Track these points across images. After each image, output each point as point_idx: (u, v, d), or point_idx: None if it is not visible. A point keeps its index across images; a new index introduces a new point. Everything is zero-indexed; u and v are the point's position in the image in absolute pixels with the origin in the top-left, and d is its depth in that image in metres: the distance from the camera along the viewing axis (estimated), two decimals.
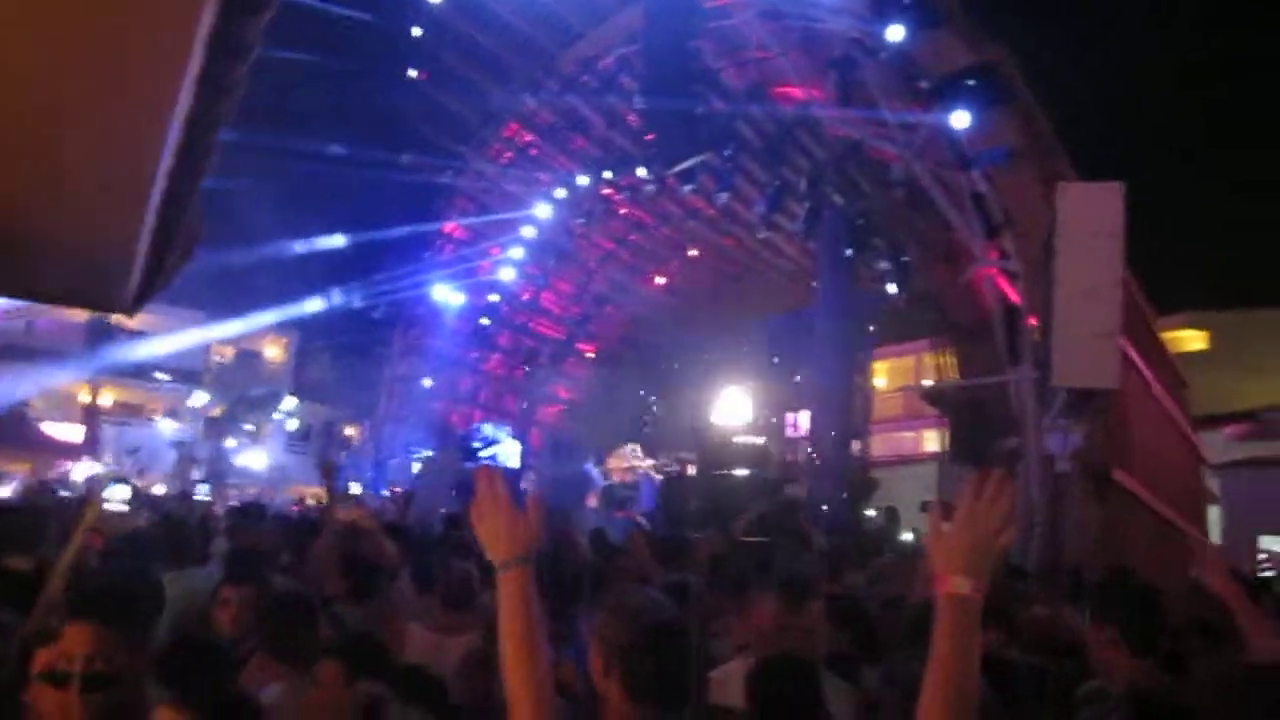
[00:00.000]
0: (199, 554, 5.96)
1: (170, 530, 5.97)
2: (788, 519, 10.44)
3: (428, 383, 26.10)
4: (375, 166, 21.67)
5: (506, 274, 24.49)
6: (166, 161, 3.25)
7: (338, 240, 22.58)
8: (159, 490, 14.06)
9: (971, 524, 1.83)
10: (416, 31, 19.60)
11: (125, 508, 4.56)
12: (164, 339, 29.34)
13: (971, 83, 12.74)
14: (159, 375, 37.71)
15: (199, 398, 37.54)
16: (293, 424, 39.55)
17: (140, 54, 2.60)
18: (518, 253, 23.80)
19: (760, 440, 18.90)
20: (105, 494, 4.90)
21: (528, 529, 2.14)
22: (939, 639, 1.80)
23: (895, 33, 13.04)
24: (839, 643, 3.91)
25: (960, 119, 12.88)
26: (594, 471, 20.33)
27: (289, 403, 38.28)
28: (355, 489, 22.45)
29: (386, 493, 17.43)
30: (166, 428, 36.90)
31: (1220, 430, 23.24)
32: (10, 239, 4.23)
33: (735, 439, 19.06)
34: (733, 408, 22.25)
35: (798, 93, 16.60)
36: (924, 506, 14.73)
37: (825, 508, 14.51)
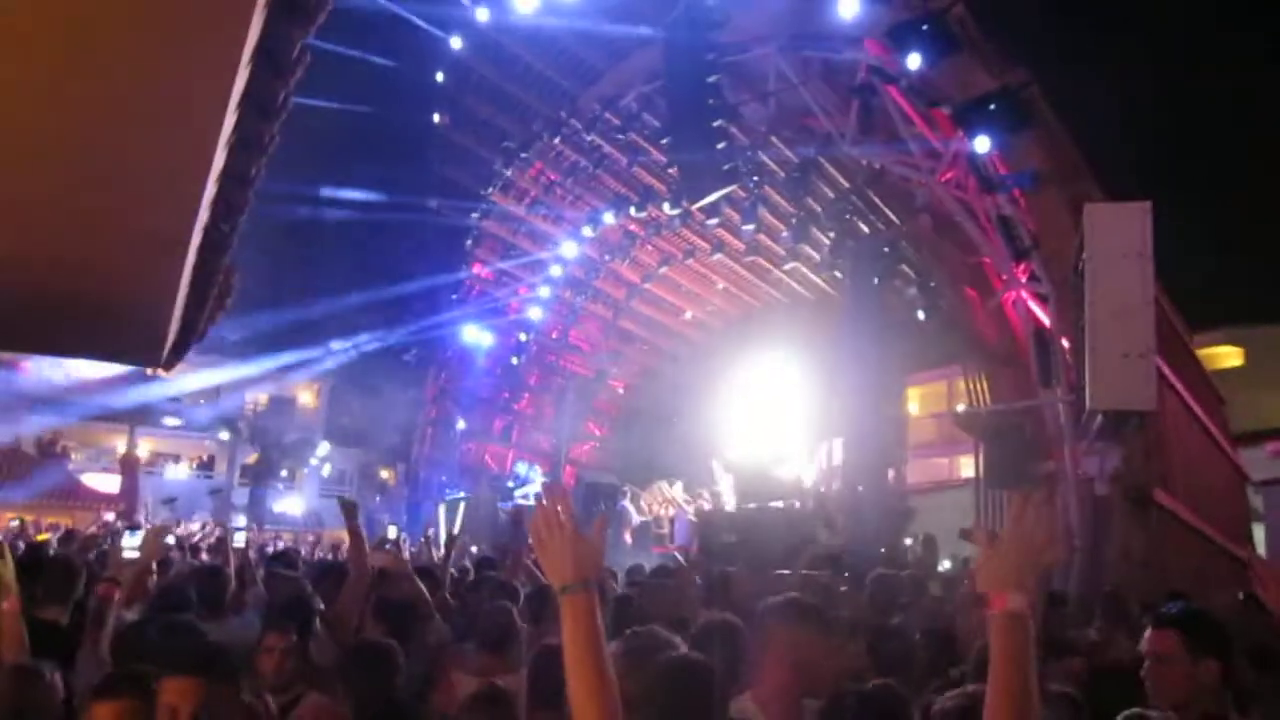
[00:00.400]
0: (235, 602, 5.97)
1: (206, 580, 5.99)
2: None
3: (461, 424, 26.21)
4: (402, 211, 21.96)
5: (535, 313, 24.62)
6: (201, 219, 3.32)
7: (367, 286, 22.81)
8: (194, 539, 14.09)
9: (1018, 543, 1.90)
10: (440, 77, 19.89)
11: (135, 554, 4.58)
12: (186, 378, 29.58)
13: (994, 107, 12.73)
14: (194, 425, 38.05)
15: (235, 445, 37.84)
16: (327, 469, 39.78)
17: (175, 115, 2.67)
18: (546, 291, 23.93)
19: (794, 472, 18.79)
20: (122, 543, 4.90)
21: (591, 552, 2.07)
22: (998, 658, 1.84)
23: (914, 60, 13.07)
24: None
25: (984, 143, 12.87)
26: (629, 508, 20.27)
27: (323, 448, 38.53)
28: (392, 532, 22.48)
29: (423, 538, 17.44)
30: (202, 476, 37.27)
31: (1262, 447, 22.90)
32: (49, 298, 4.32)
33: (769, 471, 18.95)
34: (765, 439, 22.17)
35: (819, 123, 16.66)
36: (963, 534, 14.60)
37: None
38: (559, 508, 2.09)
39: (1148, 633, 3.26)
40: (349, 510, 6.05)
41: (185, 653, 3.04)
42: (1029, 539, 1.89)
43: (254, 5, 2.00)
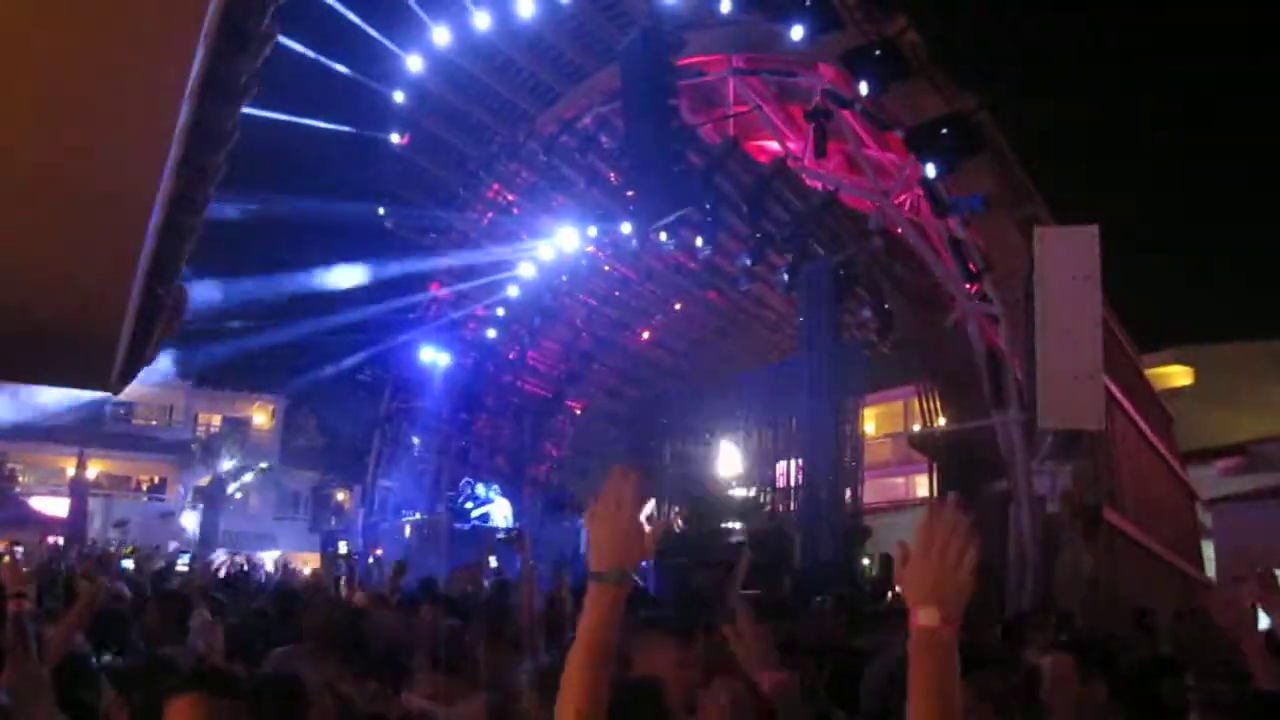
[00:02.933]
0: (179, 628, 5.84)
1: (150, 606, 5.87)
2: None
3: (417, 444, 26.05)
4: (358, 230, 21.85)
5: (492, 333, 24.56)
6: (149, 244, 3.30)
7: (320, 307, 22.65)
8: (128, 564, 13.88)
9: (928, 552, 1.77)
10: (399, 97, 19.83)
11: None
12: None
13: (945, 131, 12.92)
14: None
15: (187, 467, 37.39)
16: (280, 491, 39.41)
17: (123, 141, 2.66)
18: (503, 312, 23.89)
19: (749, 492, 18.86)
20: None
21: (640, 545, 2.01)
22: (914, 674, 1.72)
23: (865, 85, 13.25)
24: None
25: (934, 168, 13.06)
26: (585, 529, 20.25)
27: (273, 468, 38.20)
28: (343, 548, 22.36)
29: (371, 559, 17.29)
30: (154, 499, 36.72)
31: (1210, 465, 23.31)
32: None
33: (725, 491, 19.02)
34: (722, 460, 22.24)
35: (775, 146, 16.82)
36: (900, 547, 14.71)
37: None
38: (627, 490, 2.03)
39: (1044, 657, 3.37)
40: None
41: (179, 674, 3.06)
42: (940, 548, 1.75)
43: (197, 38, 2.01)
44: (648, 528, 2.01)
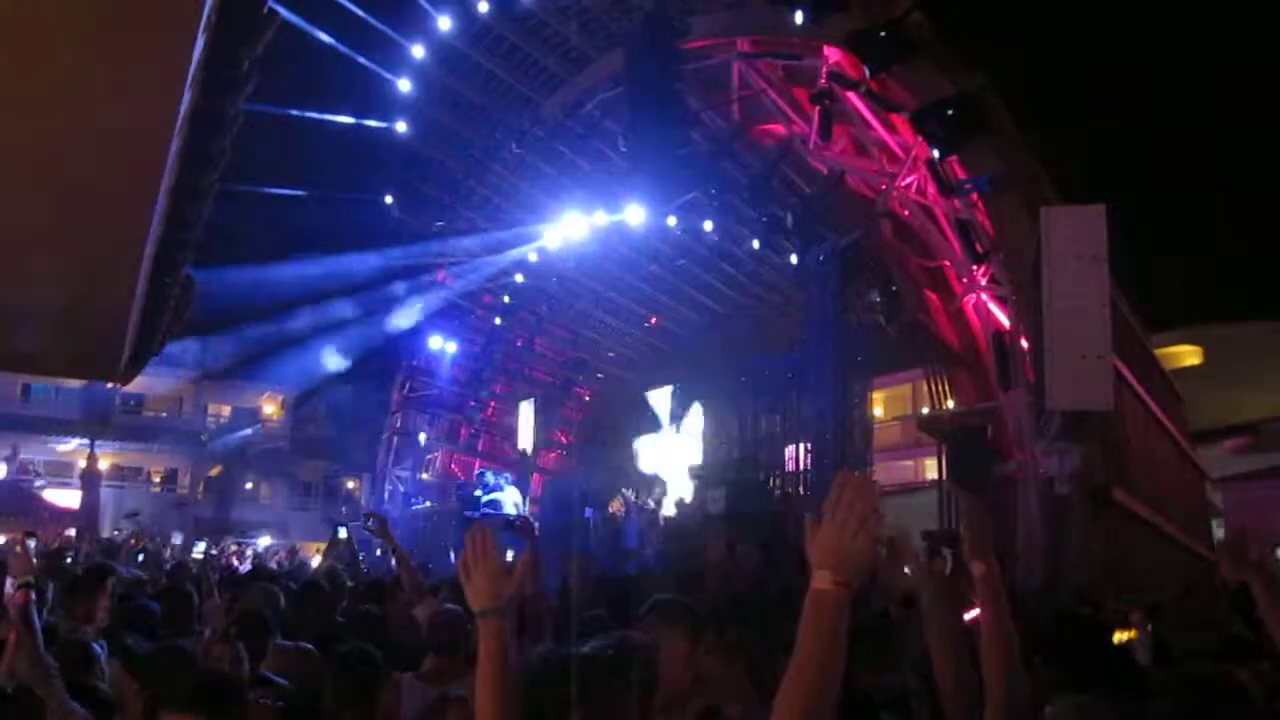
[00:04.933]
0: (193, 620, 5.86)
1: (166, 599, 5.89)
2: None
3: (424, 435, 26.10)
4: (365, 218, 21.85)
5: (499, 320, 24.58)
6: (155, 231, 3.31)
7: (330, 293, 22.66)
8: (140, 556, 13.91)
9: (832, 521, 1.89)
10: (405, 86, 19.81)
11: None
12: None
13: (951, 112, 12.88)
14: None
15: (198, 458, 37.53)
16: (291, 481, 39.53)
17: (125, 130, 2.67)
18: (509, 299, 23.89)
19: (760, 476, 18.86)
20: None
21: (510, 583, 2.34)
22: (802, 631, 1.88)
23: (871, 67, 13.22)
24: None
25: (940, 149, 13.02)
26: (595, 517, 20.19)
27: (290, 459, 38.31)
28: (342, 533, 22.36)
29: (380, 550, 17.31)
30: (166, 490, 36.88)
31: (1220, 444, 23.28)
32: (2, 312, 4.28)
33: (737, 476, 18.99)
34: (732, 444, 22.22)
35: (781, 129, 16.78)
36: (925, 536, 14.72)
37: None
38: (485, 542, 2.35)
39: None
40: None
41: (186, 685, 3.06)
42: (842, 518, 1.88)
43: (197, 25, 2.01)
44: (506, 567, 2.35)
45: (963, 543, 2.64)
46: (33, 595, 4.03)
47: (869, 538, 1.88)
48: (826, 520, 1.91)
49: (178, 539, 25.20)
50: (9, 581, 4.23)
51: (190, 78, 2.27)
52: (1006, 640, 2.54)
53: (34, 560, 4.92)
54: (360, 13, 18.18)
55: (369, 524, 7.33)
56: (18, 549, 4.88)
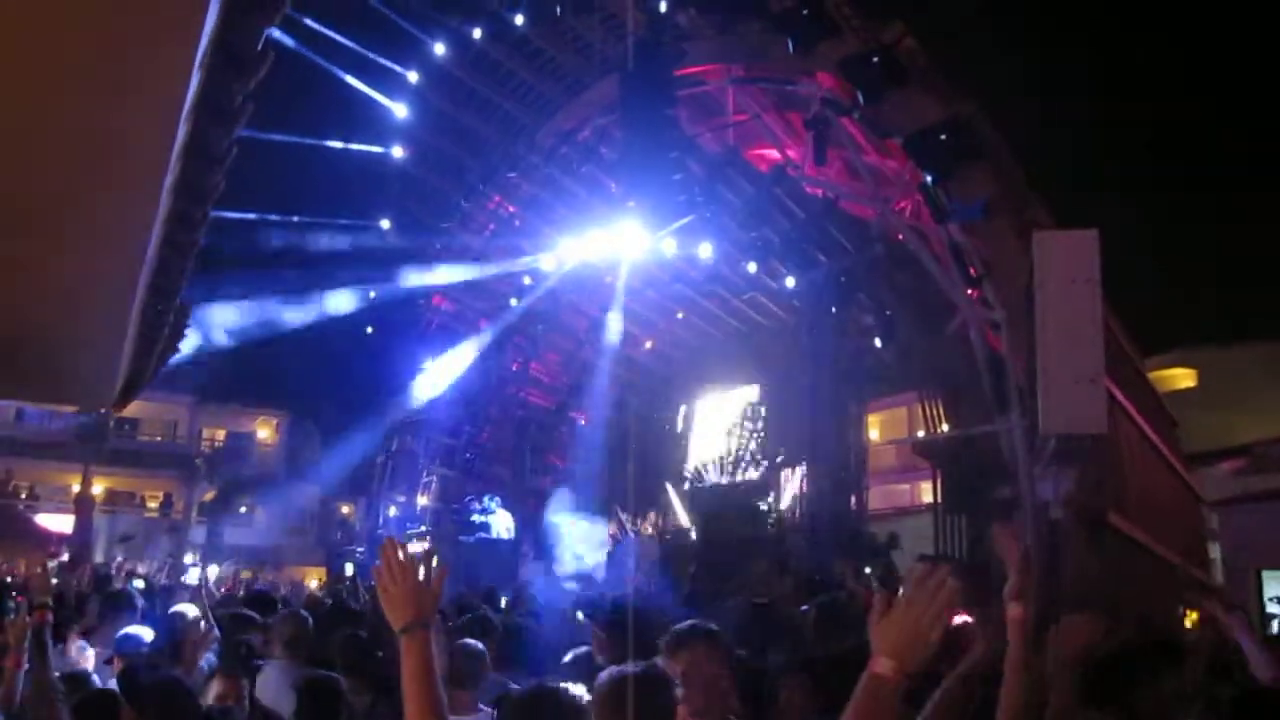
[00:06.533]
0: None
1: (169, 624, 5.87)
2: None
3: (421, 457, 26.06)
4: (361, 243, 21.86)
5: (495, 345, 24.58)
6: (149, 262, 3.32)
7: (325, 318, 22.62)
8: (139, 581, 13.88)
9: (909, 610, 1.90)
10: (401, 111, 19.89)
11: None
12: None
13: (943, 137, 12.94)
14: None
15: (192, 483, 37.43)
16: (285, 505, 39.42)
17: (119, 162, 2.68)
18: (505, 323, 23.91)
19: (755, 501, 18.86)
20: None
21: (428, 596, 2.31)
22: (855, 707, 1.89)
23: (863, 93, 13.28)
24: None
25: (933, 174, 13.07)
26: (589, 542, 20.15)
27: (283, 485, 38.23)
28: (349, 569, 22.31)
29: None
30: (160, 514, 36.74)
31: (1216, 467, 23.26)
32: None
33: (731, 499, 19.01)
34: (728, 468, 22.23)
35: (775, 154, 16.85)
36: (922, 559, 14.70)
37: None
38: (399, 557, 2.32)
39: None
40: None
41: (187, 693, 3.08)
42: (919, 610, 1.90)
43: (192, 60, 2.03)
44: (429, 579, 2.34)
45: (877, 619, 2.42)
46: (49, 617, 4.06)
47: (939, 634, 1.89)
48: (901, 607, 1.91)
49: (169, 561, 25.12)
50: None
51: (185, 112, 2.29)
52: (1032, 686, 2.54)
53: (52, 582, 4.95)
54: (354, 45, 18.30)
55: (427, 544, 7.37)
56: (38, 569, 4.91)
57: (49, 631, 4.05)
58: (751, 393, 22.99)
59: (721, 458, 22.54)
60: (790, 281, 17.32)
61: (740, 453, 22.23)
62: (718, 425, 23.75)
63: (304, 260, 20.88)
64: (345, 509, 37.76)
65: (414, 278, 22.50)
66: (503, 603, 10.39)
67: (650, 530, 20.63)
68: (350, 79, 19.01)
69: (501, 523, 22.50)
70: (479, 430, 26.24)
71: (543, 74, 19.21)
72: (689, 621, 3.40)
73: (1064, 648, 2.67)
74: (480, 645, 4.95)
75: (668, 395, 25.47)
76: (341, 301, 22.30)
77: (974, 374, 13.88)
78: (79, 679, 4.51)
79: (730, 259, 18.80)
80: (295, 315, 21.76)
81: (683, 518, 20.25)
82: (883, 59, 13.23)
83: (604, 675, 2.72)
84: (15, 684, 3.84)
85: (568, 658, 4.75)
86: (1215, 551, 20.48)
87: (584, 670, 3.91)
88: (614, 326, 22.21)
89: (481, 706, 4.58)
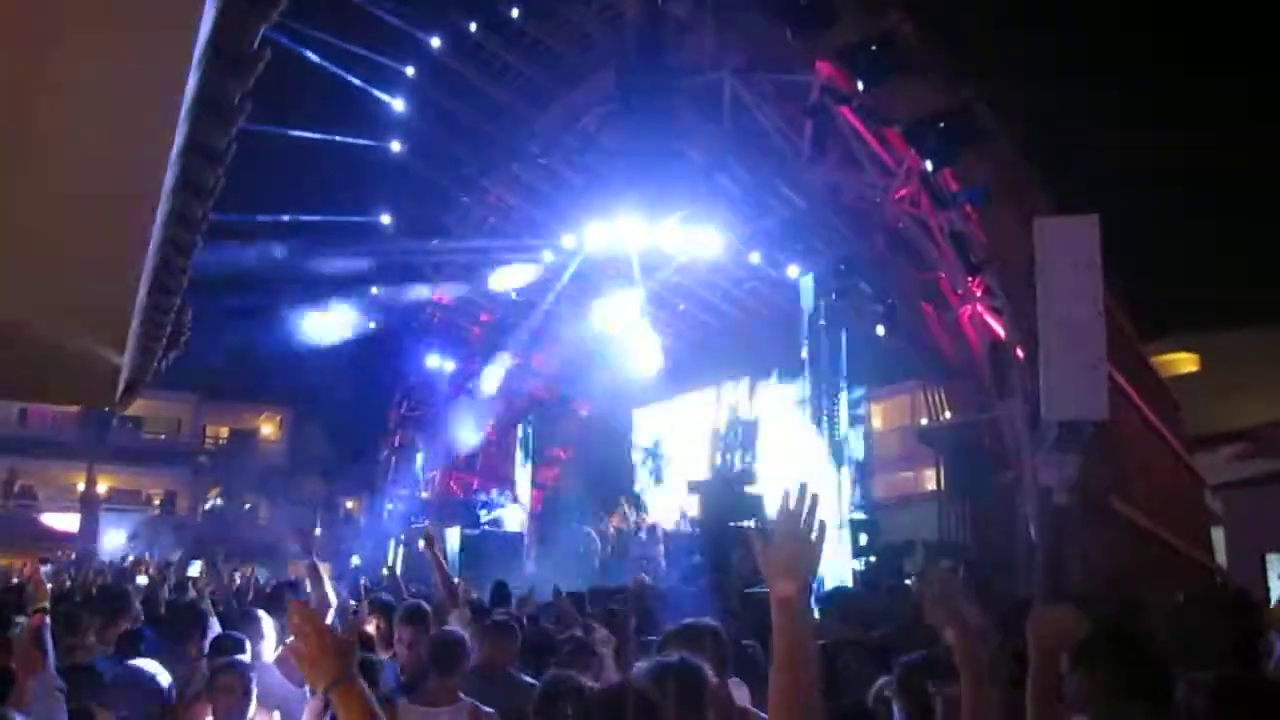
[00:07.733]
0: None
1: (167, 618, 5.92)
2: None
3: (422, 452, 26.08)
4: (361, 238, 21.85)
5: (496, 338, 24.58)
6: (150, 261, 3.33)
7: (327, 313, 22.61)
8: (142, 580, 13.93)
9: (784, 535, 2.10)
10: (399, 105, 19.84)
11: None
12: None
13: (943, 125, 12.92)
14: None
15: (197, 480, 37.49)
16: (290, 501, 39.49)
17: (118, 160, 2.69)
18: (506, 316, 23.90)
19: (758, 490, 18.85)
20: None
21: (343, 650, 2.19)
22: (776, 639, 2.07)
23: (862, 81, 13.26)
24: None
25: (933, 161, 13.06)
26: (591, 533, 20.16)
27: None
28: (355, 560, 22.39)
29: (385, 569, 17.28)
30: (165, 512, 36.81)
31: (1219, 451, 23.26)
32: None
33: (735, 490, 18.97)
34: (731, 458, 22.24)
35: (775, 143, 16.81)
36: (925, 546, 14.73)
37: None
38: (309, 621, 2.21)
39: None
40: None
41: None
42: (793, 530, 2.09)
43: (191, 54, 2.04)
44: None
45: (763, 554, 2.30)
46: (48, 620, 4.14)
47: (819, 544, 2.10)
48: (777, 535, 2.10)
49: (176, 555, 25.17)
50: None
51: (185, 108, 2.29)
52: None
53: (48, 586, 5.01)
54: (351, 46, 18.27)
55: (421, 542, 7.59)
56: (36, 575, 4.98)
57: (48, 631, 4.12)
58: (753, 383, 22.99)
59: (725, 448, 22.56)
60: (791, 271, 17.31)
61: (743, 442, 22.23)
62: (718, 417, 23.76)
63: (304, 260, 20.84)
64: (350, 504, 37.82)
65: (414, 271, 22.53)
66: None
67: (652, 521, 20.64)
68: (349, 76, 18.99)
69: (515, 516, 22.55)
70: (482, 424, 26.26)
71: (540, 64, 19.16)
72: (687, 620, 3.46)
73: (1035, 639, 2.65)
74: (462, 634, 5.05)
75: (670, 386, 25.45)
76: (344, 300, 22.28)
77: (975, 361, 13.89)
78: (85, 672, 4.59)
79: (731, 249, 18.78)
80: (298, 312, 21.75)
81: (686, 507, 20.21)
82: (881, 46, 13.21)
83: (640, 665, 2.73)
84: (27, 690, 3.91)
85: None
86: (1219, 535, 20.48)
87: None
88: (617, 315, 22.18)
89: (460, 696, 4.64)
